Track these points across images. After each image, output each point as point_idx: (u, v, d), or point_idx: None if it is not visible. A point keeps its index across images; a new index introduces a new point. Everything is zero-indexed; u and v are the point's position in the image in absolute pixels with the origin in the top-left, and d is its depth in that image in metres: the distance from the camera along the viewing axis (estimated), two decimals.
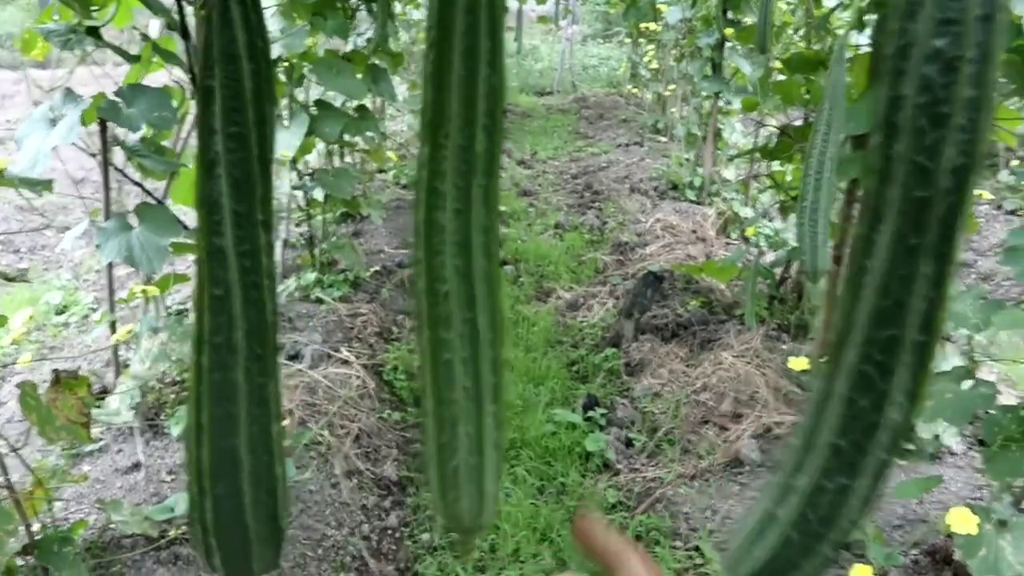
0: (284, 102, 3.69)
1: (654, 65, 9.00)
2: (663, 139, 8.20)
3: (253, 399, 0.62)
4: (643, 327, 3.85)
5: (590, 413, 3.15)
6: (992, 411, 2.06)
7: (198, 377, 0.62)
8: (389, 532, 2.49)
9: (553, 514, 2.58)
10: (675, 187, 6.31)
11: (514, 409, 3.14)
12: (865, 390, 0.56)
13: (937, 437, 2.84)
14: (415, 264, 0.52)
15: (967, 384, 2.15)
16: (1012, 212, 5.76)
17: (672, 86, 7.88)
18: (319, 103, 3.70)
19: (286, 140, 3.61)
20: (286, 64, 3.69)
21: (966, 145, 0.56)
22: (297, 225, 4.34)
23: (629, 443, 3.06)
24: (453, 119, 0.48)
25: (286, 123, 3.65)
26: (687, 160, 6.61)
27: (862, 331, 0.60)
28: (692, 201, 5.97)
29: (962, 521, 2.03)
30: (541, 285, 4.65)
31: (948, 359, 2.51)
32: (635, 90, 10.74)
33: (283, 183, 4.11)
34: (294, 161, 3.85)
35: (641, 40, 9.56)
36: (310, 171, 4.05)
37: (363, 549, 2.36)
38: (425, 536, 2.50)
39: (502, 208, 5.73)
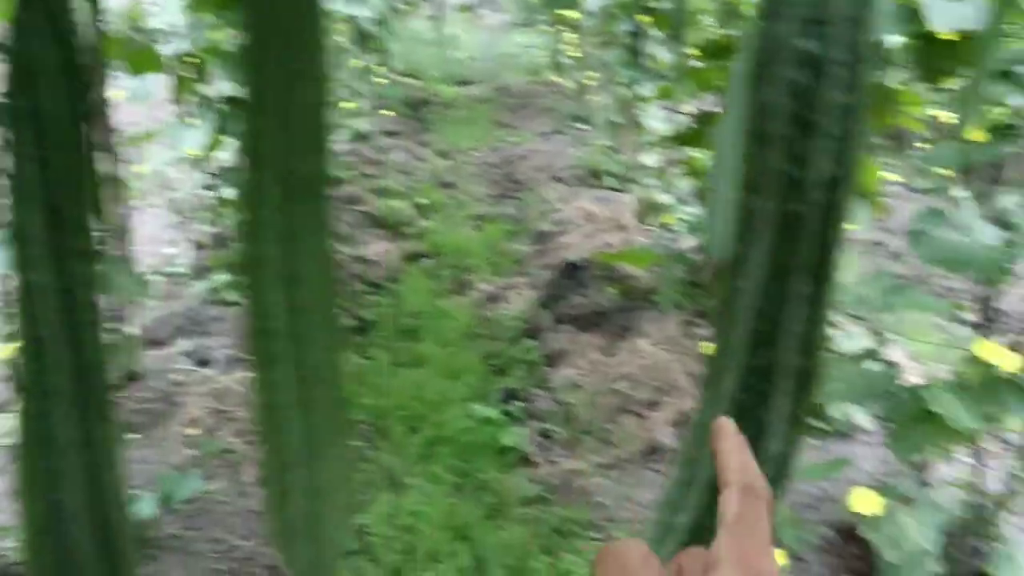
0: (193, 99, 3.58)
1: (575, 53, 9.02)
2: (584, 127, 8.22)
3: (82, 446, 0.57)
4: (561, 317, 3.85)
5: (508, 407, 3.14)
6: (894, 391, 2.11)
7: (25, 426, 0.57)
8: None
9: (471, 512, 2.56)
10: (595, 175, 6.33)
11: (431, 406, 3.10)
12: (744, 420, 0.52)
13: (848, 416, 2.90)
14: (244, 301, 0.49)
15: (871, 364, 2.19)
16: (923, 192, 5.88)
17: (593, 74, 7.89)
18: (230, 99, 3.57)
19: (195, 138, 3.50)
20: (194, 60, 3.56)
21: (839, 154, 0.52)
22: (210, 225, 4.22)
23: (548, 435, 3.06)
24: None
25: (196, 120, 3.54)
26: (607, 148, 6.63)
27: (738, 357, 0.57)
28: (612, 189, 6.00)
29: (865, 502, 2.09)
30: (460, 278, 4.60)
31: (855, 339, 2.57)
32: (557, 78, 10.73)
33: (192, 181, 3.99)
34: (203, 159, 3.73)
35: (562, 28, 9.54)
36: (219, 170, 3.93)
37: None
38: None
39: (423, 200, 5.69)
